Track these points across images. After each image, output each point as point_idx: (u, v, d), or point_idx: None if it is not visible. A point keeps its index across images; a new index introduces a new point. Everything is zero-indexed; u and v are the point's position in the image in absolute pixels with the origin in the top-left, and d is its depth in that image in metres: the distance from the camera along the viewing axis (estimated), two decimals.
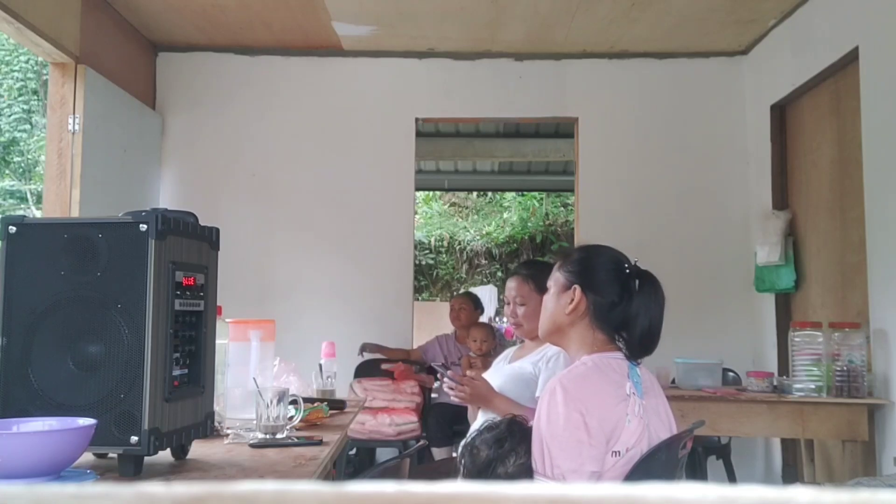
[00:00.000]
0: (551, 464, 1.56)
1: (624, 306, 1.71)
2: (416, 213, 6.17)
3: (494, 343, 4.27)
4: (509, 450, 1.68)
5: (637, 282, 1.72)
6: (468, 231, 11.79)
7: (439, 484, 0.28)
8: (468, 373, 2.28)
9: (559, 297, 1.77)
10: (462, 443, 1.88)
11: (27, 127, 11.64)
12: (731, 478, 3.80)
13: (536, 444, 1.60)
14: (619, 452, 1.58)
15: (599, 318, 1.73)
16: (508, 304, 2.42)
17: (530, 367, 2.31)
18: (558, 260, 1.85)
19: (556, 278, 1.81)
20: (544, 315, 1.82)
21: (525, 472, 1.63)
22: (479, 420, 2.25)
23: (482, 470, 1.69)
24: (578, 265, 1.77)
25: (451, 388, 2.23)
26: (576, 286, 1.74)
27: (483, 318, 5.23)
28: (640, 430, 1.61)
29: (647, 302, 1.70)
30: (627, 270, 1.74)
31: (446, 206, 12.37)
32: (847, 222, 3.51)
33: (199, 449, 1.66)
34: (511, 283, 2.42)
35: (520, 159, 7.10)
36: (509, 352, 2.53)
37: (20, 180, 11.59)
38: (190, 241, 1.52)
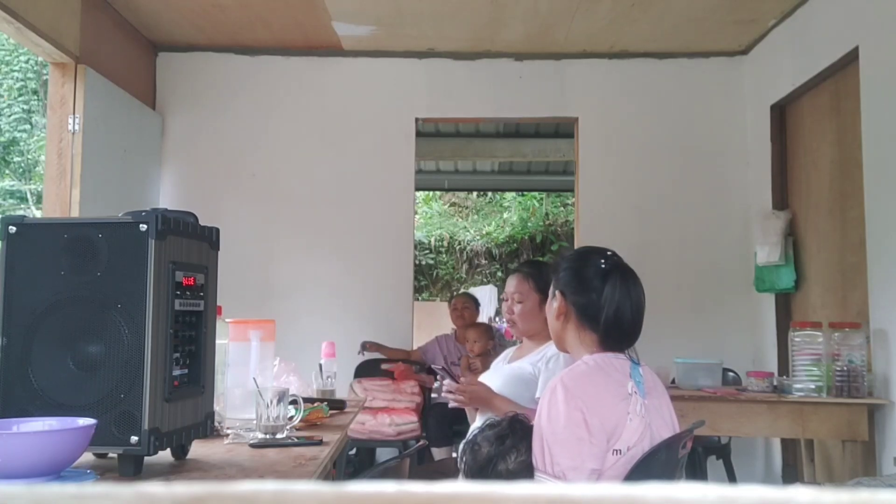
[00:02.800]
0: (552, 461, 1.56)
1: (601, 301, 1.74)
2: (416, 213, 6.17)
3: (491, 342, 4.28)
4: (510, 447, 1.68)
5: (608, 274, 1.75)
6: (468, 231, 11.79)
7: (439, 484, 0.28)
8: (462, 379, 2.27)
9: (550, 306, 1.86)
10: (463, 441, 1.89)
11: (27, 127, 11.64)
12: (731, 478, 3.80)
13: (537, 442, 1.61)
14: (620, 451, 1.58)
15: (584, 319, 1.76)
16: (507, 300, 2.43)
17: (529, 367, 2.31)
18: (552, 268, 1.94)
19: (550, 288, 1.89)
20: (547, 321, 1.91)
21: (526, 469, 1.63)
22: (478, 421, 2.25)
23: (483, 466, 1.70)
24: (557, 272, 1.85)
25: (450, 392, 2.24)
26: (557, 292, 1.81)
27: (482, 318, 5.24)
28: (642, 430, 1.61)
29: (613, 290, 1.72)
30: (603, 266, 1.75)
31: (446, 206, 12.37)
32: (847, 222, 3.51)
33: (199, 449, 1.66)
34: (511, 281, 2.44)
35: (520, 159, 7.10)
36: (509, 352, 2.53)
37: (20, 180, 11.59)
38: (190, 241, 1.52)
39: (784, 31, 4.05)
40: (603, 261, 1.77)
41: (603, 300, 1.72)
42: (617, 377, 1.66)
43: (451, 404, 2.29)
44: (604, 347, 1.73)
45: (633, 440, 1.59)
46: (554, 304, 1.83)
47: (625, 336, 1.74)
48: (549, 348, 2.29)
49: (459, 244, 11.56)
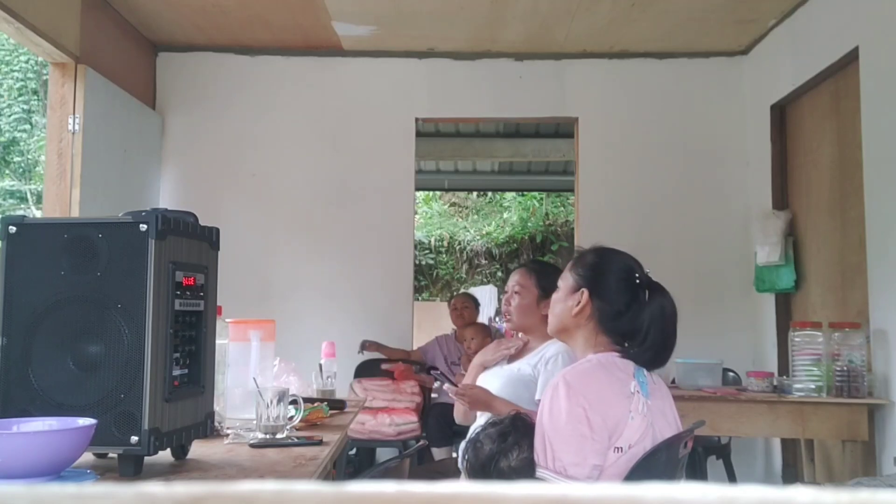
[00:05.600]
0: (553, 457, 1.57)
1: (631, 316, 1.71)
2: (416, 213, 6.17)
3: (487, 340, 4.28)
4: (512, 444, 1.68)
5: (647, 293, 1.72)
6: (468, 231, 11.79)
7: (439, 484, 0.28)
8: (460, 385, 2.28)
9: (567, 299, 1.79)
10: (465, 440, 1.89)
11: (27, 127, 11.64)
12: (731, 478, 3.80)
13: (539, 438, 1.61)
14: (622, 449, 1.58)
15: (604, 324, 1.73)
16: (507, 293, 2.43)
17: (529, 368, 2.31)
18: (573, 260, 1.86)
19: (566, 278, 1.82)
20: (552, 314, 1.84)
21: (528, 466, 1.64)
22: (478, 421, 2.26)
23: (485, 464, 1.70)
24: (589, 269, 1.78)
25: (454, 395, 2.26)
26: (583, 290, 1.75)
27: (482, 318, 5.24)
28: (644, 428, 1.61)
29: (656, 315, 1.70)
30: (638, 280, 1.73)
31: (446, 206, 12.36)
32: (847, 222, 3.51)
33: (199, 449, 1.66)
34: (514, 275, 2.44)
35: (520, 159, 7.10)
36: None
37: (20, 180, 11.59)
38: (190, 241, 1.52)
39: (784, 31, 4.05)
40: (638, 275, 1.74)
41: (643, 320, 1.69)
42: (620, 376, 1.66)
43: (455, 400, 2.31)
44: (613, 350, 1.73)
45: (634, 438, 1.59)
46: (570, 298, 1.77)
47: (666, 357, 1.72)
48: (548, 349, 2.29)
49: (459, 244, 11.56)
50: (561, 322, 1.81)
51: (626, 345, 1.73)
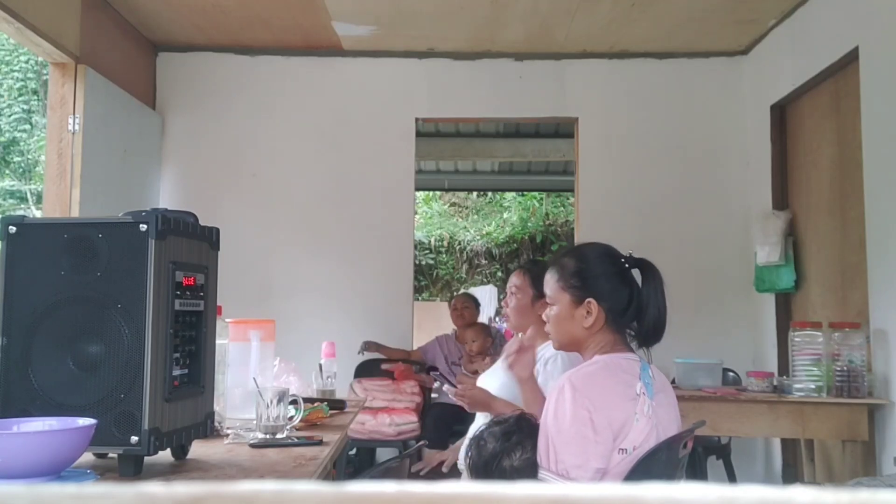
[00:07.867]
0: (556, 459, 1.57)
1: (636, 303, 1.74)
2: (416, 213, 6.17)
3: (489, 341, 4.29)
4: (516, 443, 1.69)
5: (638, 272, 1.75)
6: (468, 231, 11.79)
7: (439, 484, 0.28)
8: (460, 385, 2.28)
9: (572, 314, 1.75)
10: (467, 436, 1.90)
11: (27, 127, 11.64)
12: (731, 478, 3.80)
13: (542, 440, 1.61)
14: (627, 450, 1.59)
15: (615, 322, 1.74)
16: (506, 294, 2.48)
17: None
18: (554, 271, 1.81)
19: (558, 294, 1.78)
20: (555, 330, 1.80)
21: (530, 466, 1.64)
22: (478, 421, 2.26)
23: (488, 462, 1.70)
24: (580, 277, 1.75)
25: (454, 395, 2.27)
26: (590, 300, 1.72)
27: (482, 319, 5.25)
28: (649, 430, 1.61)
29: (653, 290, 1.73)
30: (626, 265, 1.76)
31: (446, 206, 12.37)
32: (847, 222, 3.51)
33: (199, 449, 1.66)
34: (512, 276, 2.51)
35: (520, 159, 7.10)
36: None
37: (20, 180, 11.59)
38: (190, 241, 1.52)
39: (784, 31, 4.05)
40: (624, 259, 1.77)
41: (644, 300, 1.72)
42: (625, 378, 1.66)
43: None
44: (620, 349, 1.73)
45: (639, 440, 1.60)
46: (577, 312, 1.73)
47: (662, 332, 1.74)
48: (547, 349, 2.29)
49: (459, 244, 11.56)
50: (573, 337, 1.76)
51: (632, 332, 1.75)
